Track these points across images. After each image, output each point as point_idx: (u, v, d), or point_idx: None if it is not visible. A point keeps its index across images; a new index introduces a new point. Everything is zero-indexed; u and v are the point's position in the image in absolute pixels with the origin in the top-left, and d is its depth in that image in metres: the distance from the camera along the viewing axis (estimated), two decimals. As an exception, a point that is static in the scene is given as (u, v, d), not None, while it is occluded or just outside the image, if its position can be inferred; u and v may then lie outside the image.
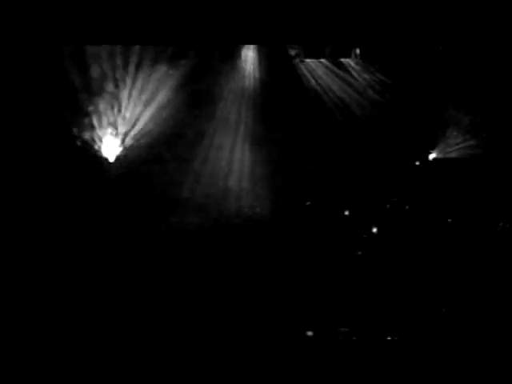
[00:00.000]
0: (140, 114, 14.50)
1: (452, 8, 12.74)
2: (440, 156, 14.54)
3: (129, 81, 14.34)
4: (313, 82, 14.70)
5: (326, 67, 14.64)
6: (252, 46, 14.48)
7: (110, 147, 14.54)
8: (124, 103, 14.36)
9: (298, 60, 14.56)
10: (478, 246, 14.01)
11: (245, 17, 12.94)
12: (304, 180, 14.79)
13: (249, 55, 14.56)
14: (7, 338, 12.47)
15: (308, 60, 14.51)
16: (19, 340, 12.53)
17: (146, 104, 14.50)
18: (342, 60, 14.57)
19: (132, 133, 14.58)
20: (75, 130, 14.18)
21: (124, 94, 14.34)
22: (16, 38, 12.82)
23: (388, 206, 14.73)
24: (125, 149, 14.62)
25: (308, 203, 14.67)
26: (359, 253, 14.36)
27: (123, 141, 14.57)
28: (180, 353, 12.88)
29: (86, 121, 14.24)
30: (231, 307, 13.81)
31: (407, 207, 14.68)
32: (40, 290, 13.35)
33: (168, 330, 13.30)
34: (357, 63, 14.59)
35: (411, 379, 12.32)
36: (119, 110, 14.38)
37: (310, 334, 13.68)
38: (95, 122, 14.30)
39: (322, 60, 14.54)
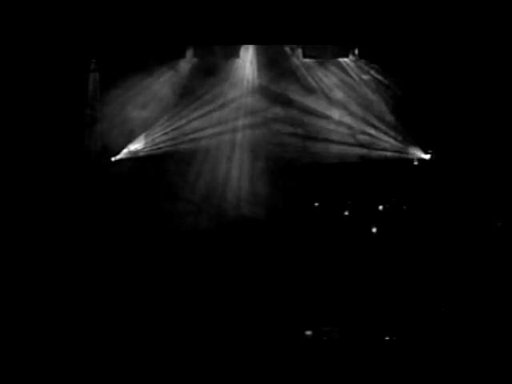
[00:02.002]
0: (142, 116, 14.64)
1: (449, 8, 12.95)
2: (438, 155, 14.65)
3: (130, 83, 14.49)
4: (311, 82, 14.82)
5: (325, 67, 14.80)
6: (251, 47, 14.63)
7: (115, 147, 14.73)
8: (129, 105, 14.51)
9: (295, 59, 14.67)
10: (476, 245, 14.04)
11: (245, 17, 13.12)
12: (304, 180, 14.88)
13: (248, 56, 14.71)
14: (7, 338, 12.45)
15: (307, 60, 14.63)
16: (19, 340, 12.49)
17: (148, 106, 14.66)
18: (340, 60, 14.69)
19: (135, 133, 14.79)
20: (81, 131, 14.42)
21: (128, 96, 14.49)
22: (30, 39, 13.14)
23: (387, 205, 14.79)
24: (128, 149, 14.84)
25: (316, 204, 14.77)
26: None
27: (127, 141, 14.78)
28: (180, 350, 12.88)
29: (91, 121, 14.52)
30: (231, 306, 13.84)
31: (404, 207, 14.70)
32: (43, 289, 13.40)
33: (168, 327, 13.33)
34: (354, 63, 14.69)
35: (409, 379, 12.40)
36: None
37: (308, 333, 13.74)
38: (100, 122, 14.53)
39: (321, 60, 14.68)
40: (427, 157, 14.71)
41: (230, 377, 12.35)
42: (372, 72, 14.66)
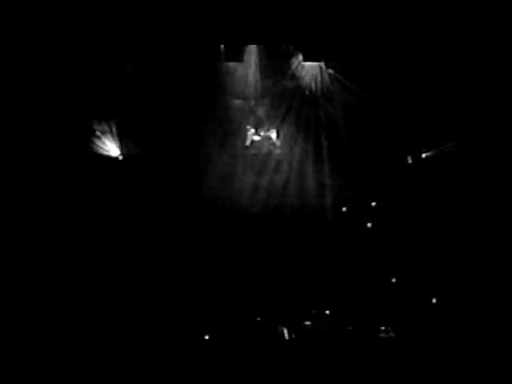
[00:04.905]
0: (149, 114, 14.79)
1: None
2: (431, 154, 14.90)
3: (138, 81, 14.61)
4: (310, 83, 15.06)
5: (322, 70, 15.01)
6: (254, 50, 14.80)
7: (121, 146, 14.88)
8: (135, 103, 14.63)
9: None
10: (468, 240, 14.34)
11: (246, 17, 13.44)
12: (304, 178, 15.23)
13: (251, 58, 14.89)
14: (7, 338, 12.72)
15: (306, 63, 14.82)
16: (19, 340, 12.76)
17: (155, 104, 14.78)
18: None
19: (140, 132, 14.91)
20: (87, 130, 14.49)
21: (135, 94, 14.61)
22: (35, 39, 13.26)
23: (381, 202, 15.12)
24: (134, 148, 14.95)
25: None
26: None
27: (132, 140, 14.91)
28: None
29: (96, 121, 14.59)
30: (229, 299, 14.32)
31: (399, 204, 14.97)
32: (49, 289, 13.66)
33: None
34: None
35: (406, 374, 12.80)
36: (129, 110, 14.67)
37: (307, 323, 14.09)
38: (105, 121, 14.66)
39: (319, 63, 14.86)
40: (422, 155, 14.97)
41: (230, 364, 12.90)
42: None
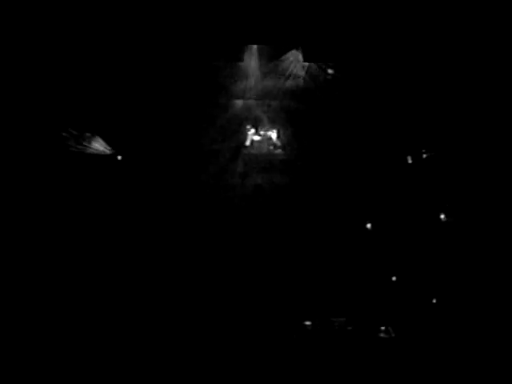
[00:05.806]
0: (149, 114, 14.81)
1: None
2: (431, 154, 14.95)
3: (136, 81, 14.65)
4: (309, 83, 15.17)
5: (322, 70, 15.11)
6: (254, 50, 14.86)
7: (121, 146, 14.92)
8: (135, 103, 14.66)
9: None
10: (468, 240, 14.40)
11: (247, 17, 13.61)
12: (304, 178, 15.25)
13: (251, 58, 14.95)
14: (7, 338, 12.80)
15: (306, 63, 14.91)
16: (19, 340, 12.84)
17: (156, 104, 14.81)
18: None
19: (140, 132, 14.93)
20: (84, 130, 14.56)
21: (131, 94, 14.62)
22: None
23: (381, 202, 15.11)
24: (133, 148, 15.01)
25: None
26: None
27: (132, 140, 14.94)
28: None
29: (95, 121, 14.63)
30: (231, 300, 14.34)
31: (398, 203, 15.00)
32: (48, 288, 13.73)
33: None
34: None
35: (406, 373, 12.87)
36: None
37: (308, 323, 14.14)
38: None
39: (319, 63, 14.97)
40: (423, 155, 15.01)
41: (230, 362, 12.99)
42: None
